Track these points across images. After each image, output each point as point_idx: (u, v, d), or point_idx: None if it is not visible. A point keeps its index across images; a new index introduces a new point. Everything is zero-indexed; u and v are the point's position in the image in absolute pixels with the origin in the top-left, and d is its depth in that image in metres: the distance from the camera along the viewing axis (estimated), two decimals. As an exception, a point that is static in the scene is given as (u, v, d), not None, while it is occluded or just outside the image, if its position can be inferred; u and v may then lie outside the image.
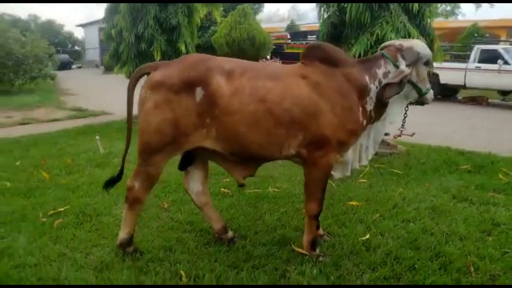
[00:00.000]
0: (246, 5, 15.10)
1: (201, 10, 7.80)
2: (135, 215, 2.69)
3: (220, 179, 4.27)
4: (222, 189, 3.95)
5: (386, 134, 3.22)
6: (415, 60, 2.62)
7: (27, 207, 3.49)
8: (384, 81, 2.57)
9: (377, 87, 2.58)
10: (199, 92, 2.44)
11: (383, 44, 2.79)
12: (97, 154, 5.39)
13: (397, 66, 2.58)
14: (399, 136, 3.29)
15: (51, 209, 3.43)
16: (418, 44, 2.70)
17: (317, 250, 2.72)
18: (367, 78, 2.59)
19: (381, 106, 2.63)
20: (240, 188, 3.39)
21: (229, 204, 3.63)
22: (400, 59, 2.60)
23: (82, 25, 40.07)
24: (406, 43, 2.68)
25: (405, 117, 2.94)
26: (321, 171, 2.57)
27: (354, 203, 3.65)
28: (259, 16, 29.04)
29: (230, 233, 2.94)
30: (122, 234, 2.70)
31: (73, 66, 38.02)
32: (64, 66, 36.81)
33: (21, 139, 6.55)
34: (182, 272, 2.47)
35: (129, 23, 7.10)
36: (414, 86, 2.68)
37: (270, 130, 2.47)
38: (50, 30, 41.78)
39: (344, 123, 2.48)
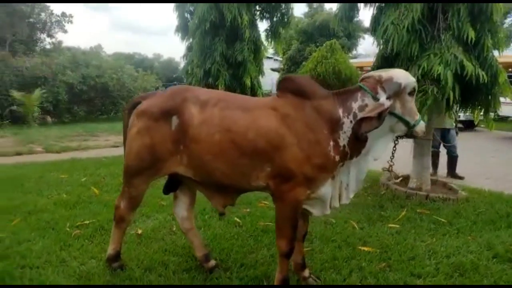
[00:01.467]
0: (333, 40, 15.17)
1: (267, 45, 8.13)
2: (121, 232, 2.88)
3: (240, 208, 4.28)
4: (236, 219, 3.95)
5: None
6: (397, 92, 2.40)
7: (63, 217, 3.97)
8: (360, 115, 2.39)
9: (351, 121, 2.41)
10: (174, 120, 2.57)
11: (362, 76, 2.63)
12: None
13: (376, 99, 2.39)
14: (388, 170, 2.95)
15: (79, 221, 3.85)
16: (399, 74, 2.47)
17: (288, 291, 2.55)
18: (340, 111, 2.44)
19: (358, 141, 2.43)
20: (221, 217, 3.37)
21: (234, 233, 3.62)
22: (380, 91, 2.40)
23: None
24: (385, 73, 2.47)
25: (394, 151, 2.70)
26: (288, 206, 2.45)
27: (366, 248, 3.33)
28: (356, 51, 28.77)
29: (212, 262, 2.93)
30: (109, 250, 2.90)
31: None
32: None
33: (102, 159, 7.49)
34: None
35: (200, 59, 7.74)
36: (400, 118, 2.46)
37: (234, 160, 2.46)
38: (170, 67, 47.18)
39: (309, 158, 2.35)
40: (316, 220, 4.01)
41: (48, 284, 2.36)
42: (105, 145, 9.87)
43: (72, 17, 21.07)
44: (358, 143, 2.42)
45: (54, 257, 3.07)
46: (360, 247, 3.35)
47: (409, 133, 2.53)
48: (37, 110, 13.85)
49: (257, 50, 7.95)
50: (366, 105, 2.41)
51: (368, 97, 2.42)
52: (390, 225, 3.93)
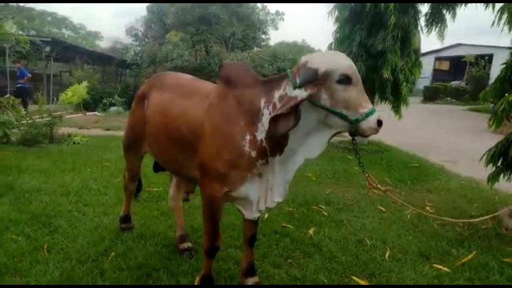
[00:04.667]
0: None
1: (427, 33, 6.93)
2: (127, 199, 3.34)
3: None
4: (284, 224, 3.67)
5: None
6: (310, 79, 1.91)
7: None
8: (278, 106, 1.98)
9: (270, 113, 2.04)
10: (146, 104, 2.78)
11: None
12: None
13: (295, 87, 1.94)
14: (373, 187, 2.18)
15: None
16: (318, 58, 1.96)
17: (211, 291, 2.40)
18: (263, 101, 2.09)
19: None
20: (184, 202, 3.20)
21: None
22: (297, 79, 1.94)
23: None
24: (303, 58, 2.00)
25: (360, 163, 2.29)
26: (205, 200, 2.29)
27: (360, 281, 2.66)
28: None
29: (184, 245, 3.00)
30: (121, 213, 3.40)
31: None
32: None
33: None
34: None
35: (340, 50, 7.36)
36: (330, 111, 1.94)
37: (166, 146, 2.48)
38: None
39: (220, 152, 2.13)
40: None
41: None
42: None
43: (284, 14, 23.40)
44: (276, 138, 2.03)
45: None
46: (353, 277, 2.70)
47: (353, 130, 1.96)
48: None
49: (406, 39, 6.88)
50: (286, 95, 2.01)
51: (289, 85, 2.00)
52: (435, 265, 2.93)
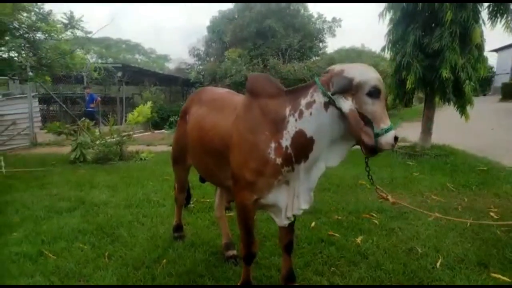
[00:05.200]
0: None
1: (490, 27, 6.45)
2: (178, 209, 3.56)
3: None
4: (331, 233, 3.63)
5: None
6: (346, 88, 1.95)
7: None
8: (306, 113, 2.06)
9: (296, 120, 2.12)
10: (187, 118, 2.98)
11: (324, 71, 2.14)
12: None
13: (326, 95, 2.01)
14: (384, 198, 2.10)
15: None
16: (353, 68, 1.98)
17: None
18: (287, 109, 2.17)
19: (302, 142, 2.11)
20: (227, 211, 3.32)
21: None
22: (331, 86, 2.00)
23: (496, 50, 37.66)
24: (338, 67, 2.04)
25: (368, 171, 2.19)
26: (238, 208, 2.40)
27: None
28: None
29: (230, 252, 3.12)
30: (173, 222, 3.63)
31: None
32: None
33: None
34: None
35: (393, 52, 7.12)
36: None
37: (203, 157, 2.63)
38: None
39: (247, 161, 2.22)
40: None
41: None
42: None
43: (341, 21, 23.06)
44: (301, 144, 2.12)
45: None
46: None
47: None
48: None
49: (465, 35, 6.43)
50: (314, 102, 2.08)
51: (318, 92, 2.07)
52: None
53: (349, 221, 3.95)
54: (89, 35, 6.27)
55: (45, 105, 18.32)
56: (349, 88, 1.95)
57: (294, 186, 2.24)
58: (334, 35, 23.40)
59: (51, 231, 3.82)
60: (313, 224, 3.84)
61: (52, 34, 5.58)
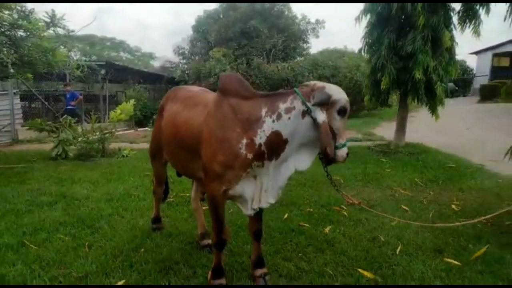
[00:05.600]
0: None
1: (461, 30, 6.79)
2: (157, 202, 3.72)
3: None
4: (302, 223, 3.84)
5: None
6: (324, 102, 2.24)
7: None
8: (285, 116, 2.31)
9: (273, 121, 2.33)
10: (163, 115, 3.15)
11: (302, 84, 2.43)
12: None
13: (305, 105, 2.27)
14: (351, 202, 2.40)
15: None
16: (333, 88, 2.30)
17: (222, 280, 2.65)
18: (263, 111, 2.37)
19: (277, 142, 2.32)
20: (202, 202, 3.51)
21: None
22: (311, 98, 2.27)
23: (476, 53, 38.66)
24: (320, 83, 2.33)
25: (329, 176, 2.56)
26: (209, 198, 2.58)
27: (365, 273, 2.79)
28: None
29: (206, 241, 3.30)
30: (152, 215, 3.79)
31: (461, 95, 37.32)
32: (447, 94, 37.64)
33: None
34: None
35: (369, 55, 7.41)
36: None
37: (176, 151, 2.81)
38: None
39: (215, 154, 2.40)
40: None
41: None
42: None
43: (324, 22, 23.45)
44: (276, 143, 2.34)
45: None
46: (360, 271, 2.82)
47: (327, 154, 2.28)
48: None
49: (437, 38, 6.75)
50: (294, 108, 2.32)
51: (298, 100, 2.32)
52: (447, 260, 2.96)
53: (320, 213, 4.18)
54: (72, 33, 6.34)
55: (27, 102, 18.12)
56: (327, 103, 2.22)
57: (262, 181, 2.44)
58: (317, 36, 23.79)
59: (32, 223, 3.93)
60: (286, 216, 4.05)
61: (34, 32, 5.65)
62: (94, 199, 4.82)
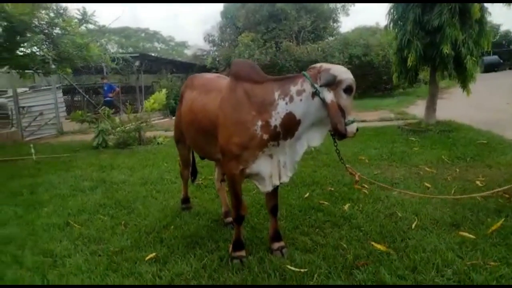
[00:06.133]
0: None
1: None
2: (184, 183, 4.00)
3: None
4: (322, 201, 4.01)
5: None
6: (330, 82, 2.40)
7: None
8: (296, 98, 2.50)
9: (287, 103, 2.52)
10: (182, 101, 3.38)
11: (310, 67, 2.60)
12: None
13: (313, 86, 2.45)
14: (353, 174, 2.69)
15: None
16: (338, 68, 2.46)
17: (242, 252, 2.87)
18: (276, 94, 2.55)
19: (291, 122, 2.53)
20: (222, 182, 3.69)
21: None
22: (318, 80, 2.44)
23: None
24: (325, 65, 2.50)
25: (337, 150, 2.77)
26: (228, 178, 2.80)
27: (378, 246, 2.92)
28: None
29: (229, 219, 3.53)
30: (181, 196, 4.08)
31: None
32: (491, 68, 35.80)
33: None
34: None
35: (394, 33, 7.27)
36: None
37: (195, 136, 3.04)
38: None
39: (231, 136, 2.60)
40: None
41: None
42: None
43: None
44: (291, 124, 2.54)
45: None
46: (371, 243, 2.95)
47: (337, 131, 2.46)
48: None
49: (465, 10, 6.51)
50: (304, 91, 2.50)
51: (307, 83, 2.50)
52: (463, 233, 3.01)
53: (341, 192, 4.30)
54: (104, 26, 6.73)
55: (69, 96, 19.17)
56: (333, 83, 2.38)
57: (279, 159, 2.65)
58: (347, 14, 23.20)
59: (75, 205, 4.36)
60: (307, 194, 4.22)
61: (68, 29, 6.07)
62: (130, 183, 5.21)
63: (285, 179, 2.70)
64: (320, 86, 2.42)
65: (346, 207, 3.79)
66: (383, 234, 3.17)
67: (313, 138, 2.63)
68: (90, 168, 6.38)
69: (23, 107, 12.56)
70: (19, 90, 13.04)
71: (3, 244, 3.39)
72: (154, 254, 3.02)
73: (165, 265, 2.85)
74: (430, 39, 6.79)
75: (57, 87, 13.39)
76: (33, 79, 13.67)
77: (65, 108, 14.63)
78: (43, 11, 6.18)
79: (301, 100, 2.48)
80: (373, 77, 18.05)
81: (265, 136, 2.54)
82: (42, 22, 6.08)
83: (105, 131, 8.89)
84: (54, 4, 6.02)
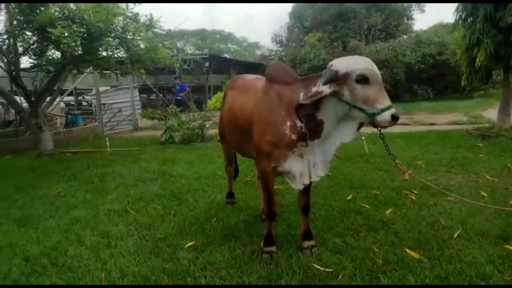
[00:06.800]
0: None
1: None
2: (229, 179, 4.22)
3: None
4: (363, 205, 3.98)
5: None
6: (332, 79, 2.40)
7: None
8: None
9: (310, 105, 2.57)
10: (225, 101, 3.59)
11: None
12: (362, 152, 6.39)
13: (319, 85, 2.49)
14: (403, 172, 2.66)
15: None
16: (340, 62, 2.43)
17: (272, 248, 2.99)
18: (301, 95, 2.61)
19: (313, 123, 2.57)
20: None
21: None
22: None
23: None
24: (332, 61, 2.50)
25: (381, 135, 2.62)
26: (260, 174, 2.94)
27: (411, 253, 2.86)
28: None
29: (268, 215, 3.68)
30: (226, 190, 4.31)
31: None
32: None
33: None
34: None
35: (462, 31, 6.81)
36: (353, 106, 2.41)
37: (234, 134, 3.21)
38: None
39: (263, 134, 2.74)
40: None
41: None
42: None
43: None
44: (313, 125, 2.59)
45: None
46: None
47: (371, 122, 2.41)
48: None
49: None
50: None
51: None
52: None
53: (386, 196, 4.20)
54: (170, 30, 7.27)
55: (146, 95, 20.71)
56: (335, 79, 2.37)
57: (309, 158, 2.71)
58: (423, 11, 21.89)
59: (135, 194, 4.81)
60: (350, 196, 4.20)
61: (139, 33, 6.67)
62: (186, 177, 5.59)
63: (315, 178, 2.75)
64: (323, 84, 2.41)
65: (388, 212, 3.71)
66: (420, 241, 3.08)
67: (343, 135, 2.61)
68: (154, 161, 6.93)
69: (104, 104, 13.90)
70: (101, 88, 14.43)
71: (71, 224, 3.90)
72: (193, 242, 3.26)
73: (201, 253, 3.08)
74: (503, 37, 6.25)
75: (134, 86, 14.59)
76: (115, 78, 15.07)
77: (141, 105, 15.87)
78: (120, 17, 6.85)
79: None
80: (450, 77, 16.88)
81: (294, 137, 2.62)
82: (118, 27, 6.75)
83: (172, 128, 9.54)
84: (127, 9, 6.67)
